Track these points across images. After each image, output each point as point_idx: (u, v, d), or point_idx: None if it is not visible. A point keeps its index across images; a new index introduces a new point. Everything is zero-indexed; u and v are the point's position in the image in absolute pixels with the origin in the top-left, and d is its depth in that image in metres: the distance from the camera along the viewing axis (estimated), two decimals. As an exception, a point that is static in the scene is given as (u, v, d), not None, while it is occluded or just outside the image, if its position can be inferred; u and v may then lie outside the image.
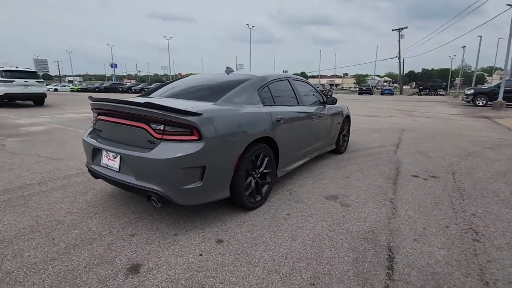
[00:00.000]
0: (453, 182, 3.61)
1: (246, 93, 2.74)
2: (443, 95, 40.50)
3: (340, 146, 4.81)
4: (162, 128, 2.09)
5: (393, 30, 48.71)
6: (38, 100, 12.08)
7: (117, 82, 46.37)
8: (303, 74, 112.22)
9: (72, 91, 41.04)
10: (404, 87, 56.18)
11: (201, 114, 2.12)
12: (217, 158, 2.21)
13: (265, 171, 2.83)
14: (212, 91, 2.76)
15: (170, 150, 2.06)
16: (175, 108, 2.04)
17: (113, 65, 70.81)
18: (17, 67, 11.29)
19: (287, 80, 3.47)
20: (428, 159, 4.68)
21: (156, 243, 2.13)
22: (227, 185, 2.36)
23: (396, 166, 4.29)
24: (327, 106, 4.28)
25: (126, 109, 2.21)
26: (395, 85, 68.10)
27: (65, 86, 46.50)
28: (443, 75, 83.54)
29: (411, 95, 41.96)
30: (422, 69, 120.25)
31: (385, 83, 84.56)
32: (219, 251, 2.05)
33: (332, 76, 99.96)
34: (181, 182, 2.08)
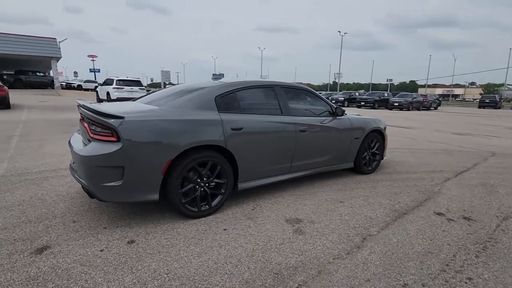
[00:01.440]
0: (489, 231, 2.60)
1: (198, 100, 2.71)
2: None
3: (362, 165, 4.11)
4: (94, 129, 2.30)
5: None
6: (141, 103, 14.75)
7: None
8: (412, 83, 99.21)
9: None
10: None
11: (123, 117, 2.23)
12: (138, 160, 2.27)
13: (217, 181, 2.73)
14: (170, 97, 2.84)
15: (93, 148, 2.25)
16: (100, 111, 2.22)
17: (221, 75, 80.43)
18: (127, 77, 14.15)
19: (272, 88, 3.22)
20: (487, 196, 3.49)
21: (82, 232, 2.34)
22: (155, 189, 2.39)
23: (426, 198, 3.38)
24: (338, 118, 3.75)
25: (81, 111, 2.53)
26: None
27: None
28: None
29: None
30: None
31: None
32: (121, 251, 2.10)
33: (449, 86, 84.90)
34: (101, 179, 2.24)
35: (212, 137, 2.58)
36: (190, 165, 2.50)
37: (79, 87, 32.26)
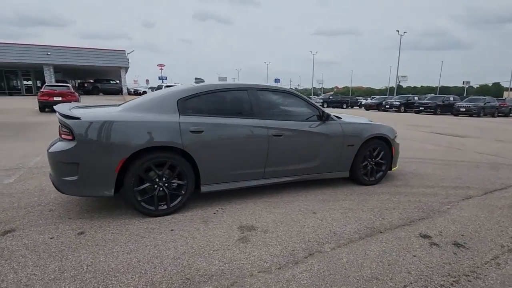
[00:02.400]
0: (478, 263, 2.12)
1: (162, 103, 2.79)
2: None
3: (360, 175, 3.73)
4: (62, 129, 2.56)
5: None
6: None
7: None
8: (495, 86, 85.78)
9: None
10: None
11: (79, 118, 2.43)
12: (92, 158, 2.44)
13: (177, 182, 2.77)
14: (145, 101, 2.94)
15: (57, 146, 2.51)
16: (64, 114, 2.47)
17: (276, 80, 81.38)
18: (174, 83, 15.28)
19: (245, 90, 3.13)
20: (506, 220, 2.86)
21: (49, 220, 2.62)
22: (109, 185, 2.53)
23: (422, 217, 2.91)
24: (328, 122, 3.48)
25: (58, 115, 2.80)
26: None
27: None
28: None
29: None
30: None
31: None
32: (66, 240, 2.28)
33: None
34: (61, 173, 2.48)
35: (168, 139, 2.64)
36: (145, 164, 2.60)
37: (144, 93, 35.92)
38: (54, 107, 2.80)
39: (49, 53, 24.31)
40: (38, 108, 13.03)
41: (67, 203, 3.01)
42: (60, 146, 2.48)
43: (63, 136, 2.52)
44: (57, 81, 24.27)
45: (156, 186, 2.69)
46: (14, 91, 28.54)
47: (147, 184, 2.66)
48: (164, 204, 2.75)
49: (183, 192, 2.80)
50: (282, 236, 2.45)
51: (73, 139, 2.42)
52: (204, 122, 2.81)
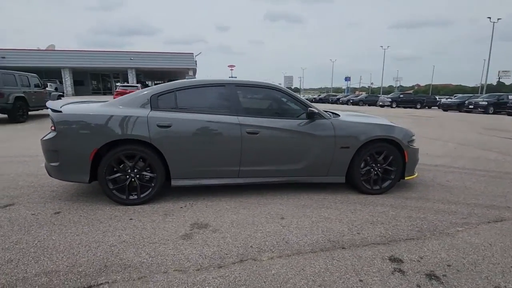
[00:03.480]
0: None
1: (139, 98, 2.93)
2: None
3: (360, 182, 3.28)
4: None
5: None
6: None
7: (331, 94, 49.32)
8: None
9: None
10: None
11: (60, 111, 2.74)
12: (68, 147, 2.72)
13: (148, 174, 2.90)
14: (124, 97, 3.14)
15: (46, 136, 2.87)
16: (51, 107, 2.82)
17: (347, 78, 77.45)
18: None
19: (223, 86, 3.05)
20: (532, 255, 2.16)
21: (44, 199, 3.02)
22: (85, 172, 2.79)
23: (410, 237, 2.42)
24: (318, 121, 3.15)
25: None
26: None
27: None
28: None
29: None
30: None
31: None
32: (41, 218, 2.58)
33: None
34: (47, 159, 2.84)
35: (136, 132, 2.77)
36: (116, 155, 2.78)
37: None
38: (46, 103, 3.21)
39: (131, 58, 28.06)
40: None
41: (70, 186, 3.43)
42: (47, 135, 2.84)
43: (51, 127, 2.89)
44: (137, 82, 27.83)
45: (128, 176, 2.86)
46: (107, 91, 33.82)
47: (118, 174, 2.84)
48: (135, 194, 2.90)
49: (153, 184, 2.90)
50: (227, 238, 2.33)
51: (54, 130, 2.75)
52: (172, 117, 2.86)
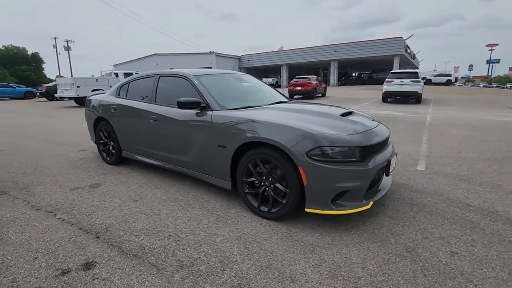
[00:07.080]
0: None
1: (115, 88, 3.96)
2: None
3: (244, 195, 2.52)
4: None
5: None
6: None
7: None
8: None
9: None
10: None
11: (88, 97, 4.35)
12: (88, 119, 4.33)
13: (110, 144, 3.97)
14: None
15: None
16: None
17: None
18: (401, 70, 12.87)
19: (153, 77, 3.41)
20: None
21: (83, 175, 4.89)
22: (92, 138, 4.31)
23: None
24: (210, 113, 2.73)
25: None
26: None
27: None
28: None
29: None
30: None
31: None
32: (82, 192, 4.36)
33: None
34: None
35: (100, 112, 3.92)
36: (99, 128, 4.07)
37: (429, 81, 31.72)
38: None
39: (335, 51, 29.13)
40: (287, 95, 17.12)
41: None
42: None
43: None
44: (339, 74, 28.64)
45: (107, 143, 4.06)
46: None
47: (104, 140, 4.09)
48: (108, 156, 4.06)
49: (113, 152, 3.94)
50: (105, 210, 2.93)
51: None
52: (116, 102, 3.71)
